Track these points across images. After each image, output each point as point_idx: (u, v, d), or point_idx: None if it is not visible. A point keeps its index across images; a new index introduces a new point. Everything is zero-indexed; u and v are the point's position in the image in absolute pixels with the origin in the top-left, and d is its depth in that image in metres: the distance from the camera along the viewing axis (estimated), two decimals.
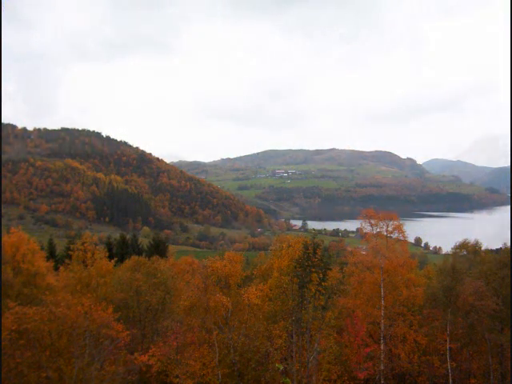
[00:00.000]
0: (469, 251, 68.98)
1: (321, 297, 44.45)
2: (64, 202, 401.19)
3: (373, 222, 56.62)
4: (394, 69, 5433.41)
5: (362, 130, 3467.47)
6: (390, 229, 56.52)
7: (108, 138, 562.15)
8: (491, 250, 69.36)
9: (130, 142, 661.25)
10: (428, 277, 72.40)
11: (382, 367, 52.63)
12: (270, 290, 50.96)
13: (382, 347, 53.60)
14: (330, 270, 46.50)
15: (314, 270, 44.06)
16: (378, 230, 56.47)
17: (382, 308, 54.70)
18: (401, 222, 58.02)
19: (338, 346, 48.46)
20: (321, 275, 43.98)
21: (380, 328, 54.40)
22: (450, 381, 53.33)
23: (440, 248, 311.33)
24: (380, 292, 55.25)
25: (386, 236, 56.54)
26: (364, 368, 49.72)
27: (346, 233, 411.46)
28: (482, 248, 71.34)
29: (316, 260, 44.43)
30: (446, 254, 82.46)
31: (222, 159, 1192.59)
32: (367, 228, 57.18)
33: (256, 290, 49.53)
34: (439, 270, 60.07)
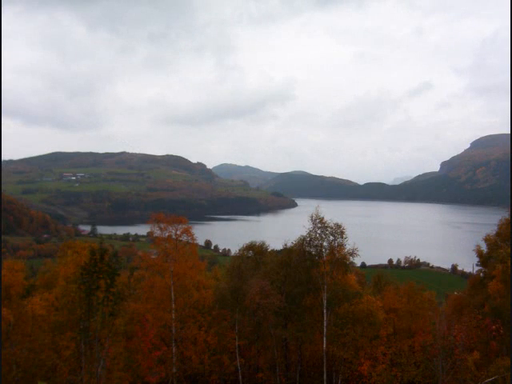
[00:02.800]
0: (255, 252, 71.69)
1: (109, 303, 43.35)
2: None
3: (162, 225, 56.80)
4: (201, 73, 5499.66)
5: (156, 133, 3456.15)
6: (178, 232, 57.11)
7: None
8: (276, 251, 72.70)
9: None
10: (216, 278, 74.20)
11: (175, 370, 52.95)
12: (57, 299, 48.56)
13: (173, 350, 53.87)
14: (118, 275, 45.47)
15: (101, 276, 42.77)
16: (168, 233, 56.75)
17: (173, 311, 55.05)
18: (189, 225, 58.91)
19: (128, 352, 47.76)
20: (108, 281, 42.81)
21: (171, 331, 54.61)
22: (240, 377, 55.31)
23: (229, 250, 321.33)
24: (171, 295, 55.49)
25: (176, 239, 56.99)
26: (156, 372, 49.68)
27: (137, 237, 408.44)
28: (268, 249, 74.71)
29: (103, 266, 43.17)
30: (234, 256, 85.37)
31: (4, 160, 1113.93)
32: (157, 232, 57.27)
33: (41, 299, 47.04)
34: (227, 272, 61.91)
